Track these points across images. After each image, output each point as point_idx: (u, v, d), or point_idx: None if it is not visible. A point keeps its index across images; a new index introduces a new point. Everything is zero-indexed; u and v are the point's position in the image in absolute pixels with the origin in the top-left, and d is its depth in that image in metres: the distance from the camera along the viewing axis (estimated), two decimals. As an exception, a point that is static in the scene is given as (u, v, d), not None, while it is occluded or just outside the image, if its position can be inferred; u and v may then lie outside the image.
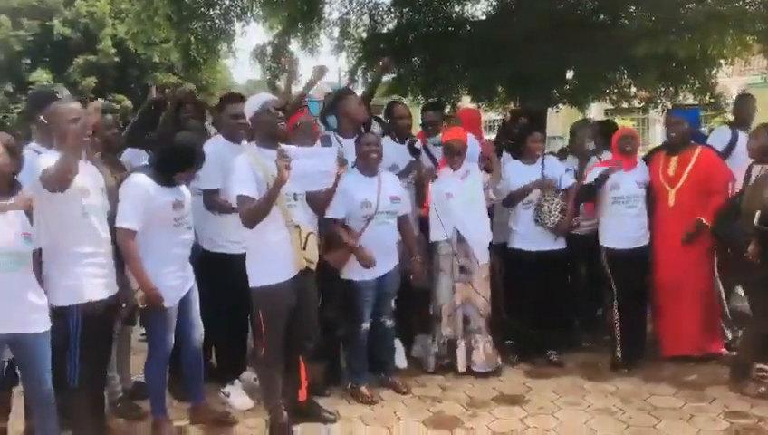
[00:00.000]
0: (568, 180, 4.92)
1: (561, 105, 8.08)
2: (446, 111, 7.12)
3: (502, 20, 6.96)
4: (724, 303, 5.00)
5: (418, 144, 4.99)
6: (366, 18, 7.94)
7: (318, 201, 3.80)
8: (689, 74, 6.98)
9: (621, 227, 4.68)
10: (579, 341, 5.17)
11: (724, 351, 4.78)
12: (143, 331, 4.15)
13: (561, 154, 5.87)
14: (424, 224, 4.77)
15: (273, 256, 3.48)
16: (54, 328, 3.13)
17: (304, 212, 3.70)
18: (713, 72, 7.11)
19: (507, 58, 6.42)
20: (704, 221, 4.51)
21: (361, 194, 4.22)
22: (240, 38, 10.46)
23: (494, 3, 7.81)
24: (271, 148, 3.50)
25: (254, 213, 3.38)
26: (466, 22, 7.66)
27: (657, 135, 18.77)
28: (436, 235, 4.65)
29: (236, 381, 4.26)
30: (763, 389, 4.14)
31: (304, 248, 3.54)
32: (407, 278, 4.54)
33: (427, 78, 7.43)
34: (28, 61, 21.35)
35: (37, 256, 3.17)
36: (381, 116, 5.44)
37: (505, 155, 5.29)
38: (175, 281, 3.63)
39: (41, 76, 20.22)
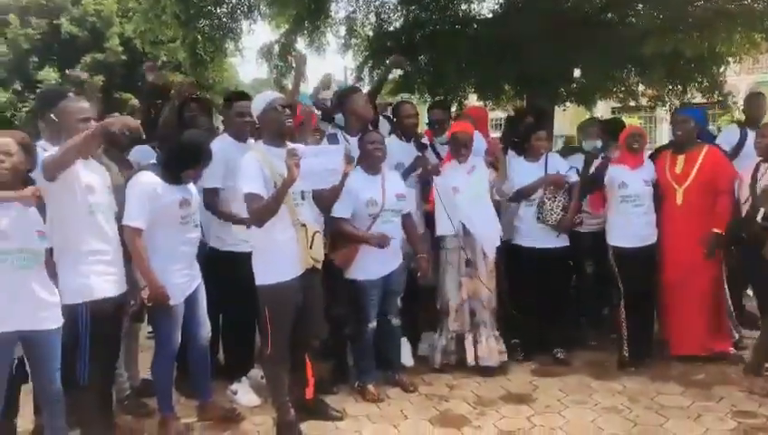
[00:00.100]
0: (571, 178, 4.91)
1: (568, 103, 8.06)
2: (453, 109, 7.11)
3: (509, 18, 6.93)
4: (729, 302, 4.98)
5: (425, 140, 4.98)
6: (372, 16, 7.92)
7: (324, 199, 3.79)
8: (697, 72, 6.93)
9: (629, 225, 4.66)
10: (585, 339, 5.16)
11: (731, 350, 4.76)
12: (151, 328, 4.17)
13: (571, 151, 5.81)
14: (429, 219, 4.76)
15: (280, 255, 3.48)
16: (64, 326, 3.14)
17: (311, 211, 3.70)
18: (721, 70, 7.06)
19: (514, 56, 6.41)
20: (717, 231, 4.49)
21: (367, 192, 4.21)
22: (247, 36, 10.48)
23: (501, 1, 7.77)
24: (278, 146, 3.51)
25: (262, 212, 3.38)
26: (473, 20, 7.63)
27: (664, 133, 18.70)
28: (442, 229, 4.63)
29: (244, 378, 4.27)
30: (771, 388, 4.12)
31: (311, 247, 3.54)
32: (412, 276, 4.54)
33: (433, 76, 7.41)
34: (36, 59, 21.41)
35: (49, 253, 3.18)
36: (389, 114, 5.44)
37: (510, 152, 5.28)
38: (182, 279, 3.64)
39: (49, 74, 20.26)
